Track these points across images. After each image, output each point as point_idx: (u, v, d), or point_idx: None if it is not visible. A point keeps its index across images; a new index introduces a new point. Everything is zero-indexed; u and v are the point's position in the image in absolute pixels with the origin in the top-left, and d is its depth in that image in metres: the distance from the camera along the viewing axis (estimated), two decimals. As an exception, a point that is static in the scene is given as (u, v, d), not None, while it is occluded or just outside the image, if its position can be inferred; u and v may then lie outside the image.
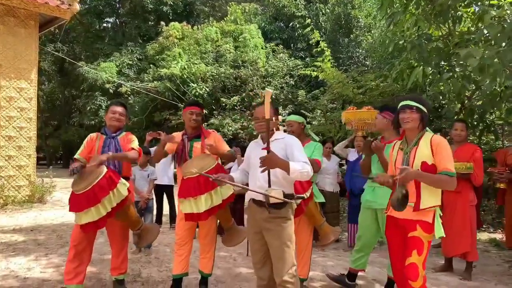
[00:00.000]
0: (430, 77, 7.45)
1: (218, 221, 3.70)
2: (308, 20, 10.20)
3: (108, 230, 3.40)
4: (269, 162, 2.42)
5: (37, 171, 9.52)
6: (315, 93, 12.70)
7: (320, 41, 8.72)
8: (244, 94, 13.19)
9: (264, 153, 2.47)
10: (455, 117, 6.95)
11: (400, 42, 7.90)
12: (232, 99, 12.66)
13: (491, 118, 7.85)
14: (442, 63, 7.42)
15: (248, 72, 13.19)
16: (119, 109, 3.51)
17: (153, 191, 5.54)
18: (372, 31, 12.58)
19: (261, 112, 2.70)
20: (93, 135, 3.53)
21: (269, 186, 2.54)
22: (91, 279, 3.82)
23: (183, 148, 3.55)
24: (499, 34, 4.86)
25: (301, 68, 13.33)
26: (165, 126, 13.32)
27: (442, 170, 2.49)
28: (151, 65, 14.87)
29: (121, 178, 3.19)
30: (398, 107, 2.71)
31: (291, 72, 13.38)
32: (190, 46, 14.39)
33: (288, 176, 2.51)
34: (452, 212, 4.24)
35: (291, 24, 15.95)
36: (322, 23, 15.72)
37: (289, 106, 12.53)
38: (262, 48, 13.57)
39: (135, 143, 3.49)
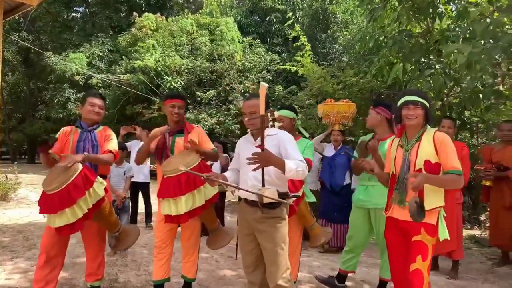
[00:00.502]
0: (410, 74, 7.44)
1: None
2: (290, 14, 10.01)
3: (83, 232, 3.12)
4: (263, 159, 2.24)
5: (0, 167, 8.96)
6: (292, 88, 12.59)
7: (301, 36, 8.56)
8: (220, 88, 12.91)
9: (257, 150, 2.29)
10: (435, 114, 6.95)
11: (381, 38, 7.87)
12: (208, 93, 12.36)
13: (467, 115, 7.94)
14: (422, 59, 7.43)
15: (225, 66, 12.90)
16: (99, 101, 3.23)
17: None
18: (350, 27, 12.56)
19: (252, 107, 2.51)
20: (66, 128, 3.23)
21: (263, 185, 2.35)
22: (63, 286, 3.52)
23: (164, 144, 3.30)
24: (482, 31, 4.86)
25: (278, 63, 13.18)
26: (137, 120, 12.87)
27: (450, 169, 2.37)
28: (123, 57, 14.32)
29: (98, 177, 2.92)
30: (401, 102, 2.55)
31: (268, 67, 13.19)
32: (164, 38, 13.94)
33: (283, 175, 2.34)
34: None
35: (267, 18, 15.75)
36: (299, 18, 15.59)
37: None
38: (239, 42, 13.30)
39: (113, 144, 3.21)
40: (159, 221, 3.25)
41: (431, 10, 6.73)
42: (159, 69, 12.39)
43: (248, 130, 2.64)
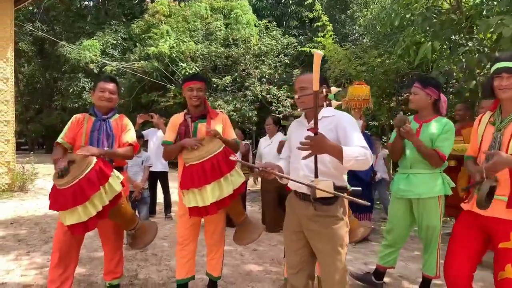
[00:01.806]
0: (439, 53, 7.00)
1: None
2: None
3: (99, 229, 2.88)
4: (316, 146, 1.85)
5: (18, 157, 8.87)
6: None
7: (322, 15, 8.13)
8: (236, 74, 12.57)
9: (310, 134, 1.92)
10: (470, 95, 6.53)
11: (407, 16, 7.41)
12: (224, 79, 12.04)
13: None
14: (453, 37, 6.97)
15: (240, 51, 12.54)
16: (110, 86, 2.93)
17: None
18: (371, 7, 11.99)
19: (303, 81, 2.15)
20: (79, 116, 2.96)
21: (316, 176, 2.01)
22: (80, 284, 3.31)
23: (186, 130, 3.02)
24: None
25: (296, 46, 12.76)
26: (153, 108, 12.66)
27: None
28: (137, 44, 14.05)
29: (114, 170, 2.65)
30: (493, 70, 2.14)
31: (285, 51, 12.76)
32: (178, 23, 13.61)
33: (341, 165, 1.93)
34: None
35: (283, 0, 15.24)
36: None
37: (284, 86, 11.97)
38: (255, 25, 12.88)
39: (131, 134, 2.94)
40: (181, 215, 3.00)
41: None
42: (174, 55, 12.10)
43: (299, 109, 2.25)
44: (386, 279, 3.45)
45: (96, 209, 2.45)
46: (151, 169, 5.16)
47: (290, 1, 14.81)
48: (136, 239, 2.98)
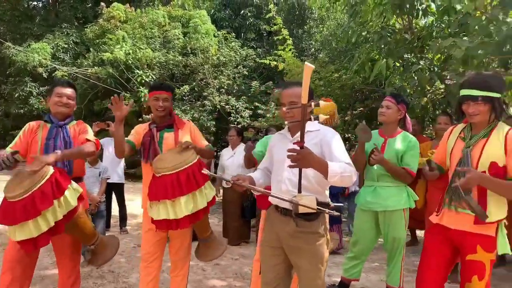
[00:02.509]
0: (392, 70, 7.33)
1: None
2: (271, 5, 9.63)
3: (54, 244, 2.70)
4: (302, 160, 1.83)
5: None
6: (269, 85, 12.30)
7: (282, 29, 8.25)
8: (194, 83, 12.43)
9: (294, 147, 1.90)
10: (422, 112, 6.86)
11: (363, 33, 7.72)
12: (182, 88, 11.86)
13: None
14: (406, 55, 7.33)
15: (199, 60, 12.43)
16: (67, 91, 2.77)
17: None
18: (328, 23, 12.38)
19: (293, 96, 2.12)
20: (33, 123, 2.77)
21: (299, 191, 1.99)
22: (31, 305, 3.04)
23: (151, 140, 2.91)
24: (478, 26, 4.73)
25: (255, 58, 12.86)
26: (106, 116, 12.17)
27: None
28: (90, 49, 13.52)
29: (72, 182, 2.49)
30: (460, 95, 2.19)
31: (244, 62, 12.82)
32: (134, 30, 13.26)
33: (325, 180, 1.92)
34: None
35: (242, 12, 15.35)
36: (274, 13, 15.29)
37: (242, 97, 11.99)
38: (214, 36, 12.84)
39: (90, 133, 2.80)
40: (146, 230, 2.87)
41: (415, 6, 6.63)
42: (130, 62, 11.76)
43: (286, 122, 2.21)
44: (349, 292, 3.48)
45: (48, 225, 2.28)
46: (107, 180, 4.93)
47: (249, 14, 14.92)
48: (96, 255, 2.80)
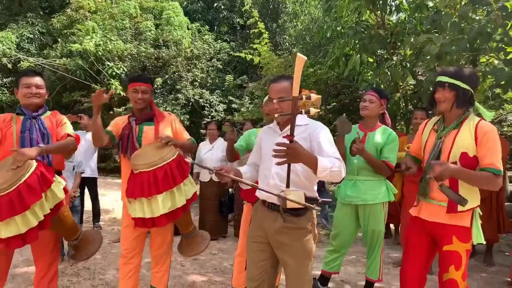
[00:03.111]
0: (366, 65, 7.44)
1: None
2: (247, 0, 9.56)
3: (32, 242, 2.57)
4: (291, 154, 1.80)
5: None
6: (243, 78, 12.25)
7: (258, 22, 8.21)
8: (167, 76, 12.22)
9: (284, 141, 1.88)
10: (394, 107, 7.00)
11: (338, 29, 7.78)
12: (155, 81, 11.63)
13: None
14: (379, 51, 7.46)
15: (171, 53, 12.22)
16: (35, 80, 2.65)
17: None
18: (302, 18, 12.41)
19: (282, 91, 2.09)
20: (4, 116, 2.64)
21: (287, 186, 1.97)
22: (3, 305, 2.92)
23: (129, 134, 2.83)
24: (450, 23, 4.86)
25: (228, 51, 12.76)
26: (75, 108, 11.79)
27: (487, 166, 2.09)
28: (58, 40, 13.03)
29: (55, 175, 2.40)
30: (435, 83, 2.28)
31: (218, 56, 12.70)
32: (104, 21, 12.87)
33: (313, 175, 1.91)
34: (410, 203, 4.09)
35: (215, 5, 15.17)
36: (247, 6, 15.19)
37: (216, 91, 11.89)
38: (188, 28, 12.64)
39: (69, 127, 2.70)
40: (125, 226, 2.80)
41: (388, 2, 6.76)
42: (100, 53, 11.41)
43: (276, 115, 2.12)
44: (329, 284, 3.53)
45: (37, 219, 2.21)
46: (79, 174, 4.77)
47: (222, 7, 14.76)
48: (80, 250, 2.73)
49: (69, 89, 12.04)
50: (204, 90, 11.82)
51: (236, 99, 11.68)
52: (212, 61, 12.50)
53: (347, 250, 3.37)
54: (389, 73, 6.74)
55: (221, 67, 12.65)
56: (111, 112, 12.03)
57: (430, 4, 6.17)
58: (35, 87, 2.60)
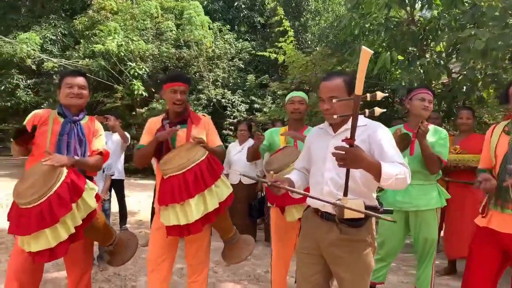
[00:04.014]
0: (396, 63, 7.17)
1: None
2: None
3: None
4: (351, 159, 1.61)
5: None
6: (265, 77, 12.09)
7: (284, 20, 8.02)
8: (189, 76, 12.14)
9: (341, 145, 1.68)
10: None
11: (366, 25, 7.54)
12: (176, 82, 11.55)
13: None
14: (410, 48, 7.19)
15: (193, 53, 12.14)
16: (78, 80, 2.51)
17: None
18: (325, 15, 12.16)
19: (334, 90, 1.90)
20: (41, 112, 2.51)
21: (345, 194, 1.78)
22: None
23: None
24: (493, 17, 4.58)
25: (251, 50, 12.62)
26: (98, 109, 11.84)
27: None
28: (81, 41, 13.09)
29: (87, 180, 2.26)
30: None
31: (240, 55, 12.56)
32: (126, 21, 12.89)
33: (373, 181, 1.73)
34: (460, 208, 3.84)
35: (235, 4, 15.05)
36: (272, 4, 15.02)
37: (238, 91, 11.76)
38: (209, 28, 12.54)
39: (103, 141, 2.58)
40: (156, 228, 2.63)
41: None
42: (122, 54, 11.40)
43: (335, 116, 1.90)
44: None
45: (68, 232, 2.06)
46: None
47: (243, 6, 14.63)
48: (115, 255, 2.59)
49: (92, 90, 11.95)
50: (226, 90, 11.72)
51: (258, 99, 11.53)
52: (234, 60, 12.37)
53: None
54: (421, 71, 6.48)
55: (243, 66, 12.52)
56: (134, 113, 12.03)
57: (467, -3, 5.89)
58: (77, 87, 2.47)
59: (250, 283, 3.63)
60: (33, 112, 2.50)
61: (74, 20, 14.32)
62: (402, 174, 1.72)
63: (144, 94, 11.51)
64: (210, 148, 2.59)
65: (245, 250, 2.73)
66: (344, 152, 1.62)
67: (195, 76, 12.25)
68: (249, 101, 11.48)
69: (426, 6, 6.69)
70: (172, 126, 2.67)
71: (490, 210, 2.15)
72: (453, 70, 6.69)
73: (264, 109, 11.02)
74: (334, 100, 1.83)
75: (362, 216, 1.82)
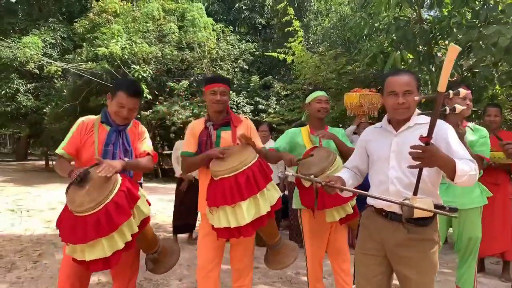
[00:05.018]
0: (406, 62, 7.17)
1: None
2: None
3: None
4: (429, 158, 1.60)
5: None
6: (268, 79, 12.08)
7: (293, 20, 8.02)
8: (192, 78, 12.12)
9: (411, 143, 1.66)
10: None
11: (376, 25, 7.54)
12: (181, 83, 11.52)
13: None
14: (420, 47, 7.20)
15: (196, 55, 12.10)
16: (131, 102, 2.33)
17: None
18: (330, 15, 12.18)
19: (408, 83, 1.88)
20: (87, 121, 2.39)
21: (415, 193, 1.76)
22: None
23: (207, 139, 2.64)
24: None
25: (254, 51, 12.62)
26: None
27: None
28: (83, 44, 13.00)
29: (139, 188, 2.22)
30: None
31: (243, 56, 12.54)
32: (127, 24, 12.83)
33: (438, 180, 1.78)
34: (491, 206, 3.82)
35: (236, 5, 15.05)
36: (268, 6, 15.04)
37: (242, 92, 11.74)
38: (213, 30, 12.51)
39: (148, 143, 2.51)
40: (204, 235, 2.60)
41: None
42: (126, 57, 11.34)
43: (416, 112, 1.94)
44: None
45: (124, 240, 2.01)
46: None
47: (244, 7, 14.63)
48: (158, 263, 2.53)
49: (96, 93, 11.98)
50: (230, 92, 11.70)
51: (262, 100, 11.52)
52: (238, 62, 12.35)
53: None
54: (434, 70, 6.50)
55: (246, 68, 12.50)
56: (138, 116, 11.96)
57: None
58: (127, 110, 2.31)
59: (284, 285, 3.60)
60: (80, 120, 2.42)
61: (74, 23, 14.21)
62: (474, 171, 1.71)
63: (148, 96, 11.44)
64: (258, 149, 2.57)
65: (290, 256, 2.70)
66: (421, 151, 1.61)
67: (199, 78, 12.22)
68: (253, 102, 11.46)
69: (436, 4, 6.67)
70: (216, 129, 2.64)
71: None
72: (464, 68, 6.71)
73: (269, 110, 11.02)
74: (416, 98, 1.81)
75: (431, 215, 1.81)
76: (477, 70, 5.86)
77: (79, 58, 12.32)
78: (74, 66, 11.86)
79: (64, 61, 13.40)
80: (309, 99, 3.01)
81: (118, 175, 2.09)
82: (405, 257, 1.89)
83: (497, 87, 6.11)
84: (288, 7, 8.66)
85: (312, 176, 2.05)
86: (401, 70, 2.01)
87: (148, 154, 2.46)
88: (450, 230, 3.02)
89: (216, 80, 2.68)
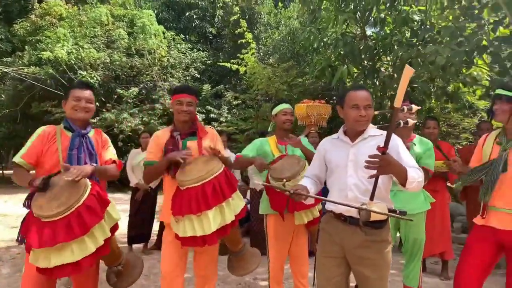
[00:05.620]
0: (352, 76, 7.60)
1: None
2: (236, 8, 9.54)
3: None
4: (385, 166, 1.81)
5: None
6: (219, 88, 12.18)
7: (246, 32, 8.21)
8: (141, 85, 11.91)
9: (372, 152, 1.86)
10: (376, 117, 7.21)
11: (324, 39, 7.91)
12: (131, 90, 11.28)
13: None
14: (365, 62, 7.64)
15: (146, 62, 11.94)
16: (86, 93, 2.46)
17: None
18: (280, 28, 12.54)
19: (368, 98, 2.08)
20: (48, 129, 2.41)
21: (372, 198, 1.94)
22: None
23: (173, 149, 2.69)
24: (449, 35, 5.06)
25: (206, 60, 12.66)
26: (45, 119, 11.20)
27: None
28: (25, 47, 12.34)
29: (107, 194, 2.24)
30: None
31: (194, 64, 12.55)
32: (73, 28, 12.39)
33: (389, 186, 1.96)
34: (432, 211, 4.17)
35: (187, 14, 15.04)
36: (219, 16, 15.19)
37: (194, 100, 11.73)
38: (164, 38, 12.40)
39: (113, 152, 2.54)
40: (168, 242, 2.63)
41: (373, 15, 7.00)
42: (72, 62, 10.92)
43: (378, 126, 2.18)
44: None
45: (96, 244, 2.02)
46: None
47: (194, 16, 14.66)
48: (122, 276, 2.53)
49: (38, 99, 11.40)
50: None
51: (213, 109, 11.58)
52: (189, 70, 12.33)
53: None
54: (378, 83, 6.97)
55: (197, 76, 12.51)
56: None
57: (416, 18, 6.41)
58: (84, 101, 2.40)
59: (243, 291, 3.70)
60: (40, 129, 2.40)
61: (13, 25, 13.47)
62: (421, 177, 1.96)
63: (96, 103, 11.10)
64: (224, 159, 2.65)
65: (252, 262, 2.81)
66: (378, 160, 1.80)
67: (148, 85, 12.05)
68: (205, 111, 11.47)
69: (379, 23, 7.14)
70: (183, 139, 2.69)
71: (489, 211, 2.42)
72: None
73: (221, 119, 11.10)
74: (376, 112, 2.01)
75: (385, 218, 2.01)
76: (415, 85, 6.37)
77: (20, 62, 11.68)
78: (14, 70, 11.22)
79: (2, 64, 12.66)
80: (275, 111, 3.16)
81: (87, 179, 2.10)
82: (363, 258, 2.06)
83: (433, 101, 6.66)
84: (241, 20, 8.85)
85: (284, 180, 2.20)
86: (361, 85, 2.22)
87: (114, 161, 2.49)
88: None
89: (182, 91, 2.74)
